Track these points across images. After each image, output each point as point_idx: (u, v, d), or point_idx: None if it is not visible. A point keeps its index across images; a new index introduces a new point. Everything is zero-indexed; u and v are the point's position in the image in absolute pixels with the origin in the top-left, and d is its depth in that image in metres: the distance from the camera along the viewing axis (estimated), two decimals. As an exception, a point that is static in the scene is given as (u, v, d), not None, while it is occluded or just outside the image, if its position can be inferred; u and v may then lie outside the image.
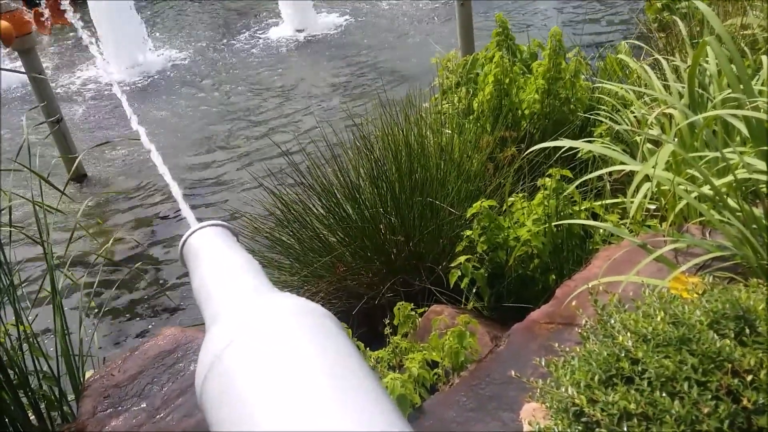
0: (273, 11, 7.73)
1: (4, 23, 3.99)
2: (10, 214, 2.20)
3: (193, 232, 0.68)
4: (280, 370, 0.42)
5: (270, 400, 0.40)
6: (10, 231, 2.21)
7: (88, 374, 2.22)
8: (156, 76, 6.67)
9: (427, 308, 2.14)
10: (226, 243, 0.66)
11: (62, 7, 4.20)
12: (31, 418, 2.15)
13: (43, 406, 2.19)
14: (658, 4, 4.32)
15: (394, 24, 7.19)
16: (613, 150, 2.15)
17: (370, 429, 0.38)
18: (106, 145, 5.18)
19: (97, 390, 1.97)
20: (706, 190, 1.70)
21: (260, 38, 7.28)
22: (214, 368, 0.45)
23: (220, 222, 0.70)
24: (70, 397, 2.26)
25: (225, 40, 7.39)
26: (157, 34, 7.76)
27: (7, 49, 4.18)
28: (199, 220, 0.72)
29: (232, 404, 0.42)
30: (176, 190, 0.81)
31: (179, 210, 0.77)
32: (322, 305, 0.52)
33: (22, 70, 4.47)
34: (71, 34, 7.86)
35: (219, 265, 0.62)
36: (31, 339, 2.18)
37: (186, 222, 0.74)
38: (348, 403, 0.39)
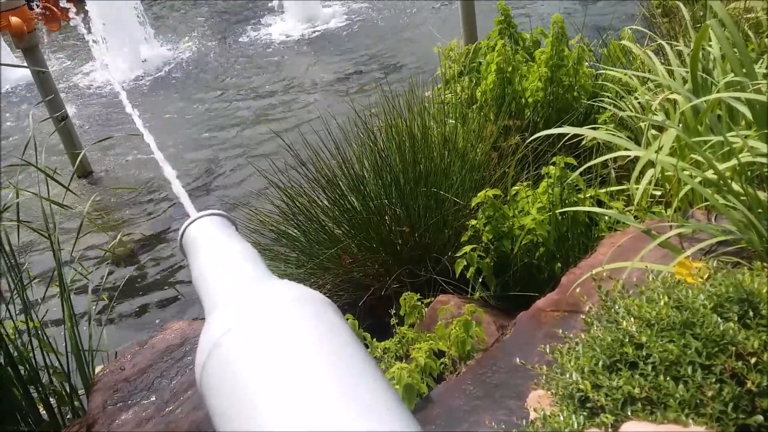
0: (276, 4, 7.72)
1: (15, 19, 3.99)
2: (18, 210, 2.21)
3: (192, 221, 0.69)
4: (280, 355, 0.42)
5: (270, 386, 0.40)
6: (18, 227, 2.22)
7: (97, 369, 2.24)
8: (159, 72, 6.68)
9: (433, 298, 2.15)
10: (225, 232, 0.66)
11: (62, 5, 4.20)
12: (41, 413, 2.17)
13: (53, 401, 2.21)
14: (662, -11, 4.28)
15: (396, 14, 7.16)
16: (618, 137, 2.15)
17: (367, 408, 0.38)
18: (113, 143, 5.19)
19: (106, 384, 1.99)
20: (710, 174, 1.69)
21: (264, 31, 7.28)
22: (213, 355, 0.45)
23: (218, 211, 0.70)
24: (81, 391, 2.28)
25: (228, 34, 7.39)
26: (160, 29, 7.75)
27: (21, 47, 4.17)
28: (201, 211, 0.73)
29: (231, 391, 0.42)
30: (172, 177, 0.81)
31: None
32: (329, 297, 0.52)
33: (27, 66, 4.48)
34: (70, 34, 7.87)
35: (217, 255, 0.62)
36: (40, 335, 2.20)
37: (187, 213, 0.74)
38: (346, 387, 0.40)
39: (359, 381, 0.40)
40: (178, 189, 0.77)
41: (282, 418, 0.38)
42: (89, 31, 6.73)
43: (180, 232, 0.69)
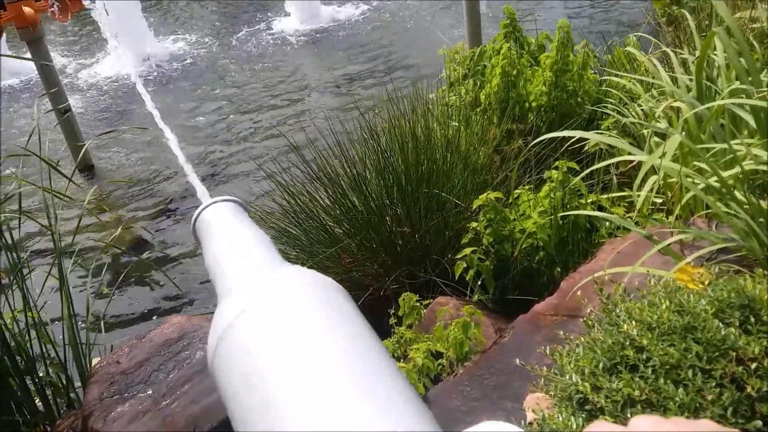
0: (280, 4, 7.73)
1: (28, 9, 4.02)
2: (20, 201, 2.21)
3: (205, 207, 0.69)
4: (292, 338, 0.43)
5: (283, 369, 0.40)
6: (20, 217, 2.22)
7: (94, 361, 2.24)
8: (163, 69, 6.68)
9: (432, 300, 2.15)
10: (238, 218, 0.67)
11: None
12: (37, 403, 2.17)
13: (49, 392, 2.20)
14: (667, -2, 4.29)
15: (400, 16, 7.17)
16: (621, 141, 2.15)
17: (376, 383, 0.38)
18: (114, 137, 5.19)
19: (103, 377, 1.98)
20: (712, 181, 1.69)
21: (267, 31, 7.28)
22: (226, 337, 0.46)
23: (231, 197, 0.71)
24: (77, 383, 2.28)
25: (233, 33, 7.39)
26: (165, 26, 7.76)
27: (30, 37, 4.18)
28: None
29: (243, 372, 0.43)
30: (186, 163, 0.82)
31: (187, 199, 0.78)
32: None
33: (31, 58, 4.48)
34: (76, 28, 7.88)
35: (231, 240, 0.63)
36: (38, 325, 2.20)
37: (197, 201, 0.75)
38: (359, 376, 0.40)
39: (372, 370, 0.40)
40: (191, 176, 0.78)
41: (295, 401, 0.38)
42: (100, 24, 6.73)
43: (193, 218, 0.70)
